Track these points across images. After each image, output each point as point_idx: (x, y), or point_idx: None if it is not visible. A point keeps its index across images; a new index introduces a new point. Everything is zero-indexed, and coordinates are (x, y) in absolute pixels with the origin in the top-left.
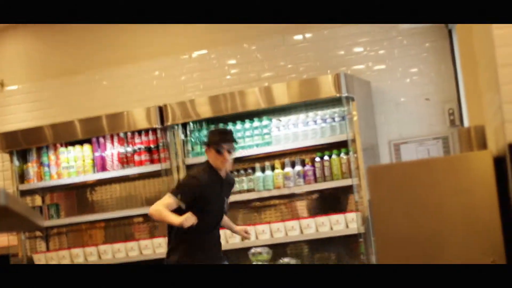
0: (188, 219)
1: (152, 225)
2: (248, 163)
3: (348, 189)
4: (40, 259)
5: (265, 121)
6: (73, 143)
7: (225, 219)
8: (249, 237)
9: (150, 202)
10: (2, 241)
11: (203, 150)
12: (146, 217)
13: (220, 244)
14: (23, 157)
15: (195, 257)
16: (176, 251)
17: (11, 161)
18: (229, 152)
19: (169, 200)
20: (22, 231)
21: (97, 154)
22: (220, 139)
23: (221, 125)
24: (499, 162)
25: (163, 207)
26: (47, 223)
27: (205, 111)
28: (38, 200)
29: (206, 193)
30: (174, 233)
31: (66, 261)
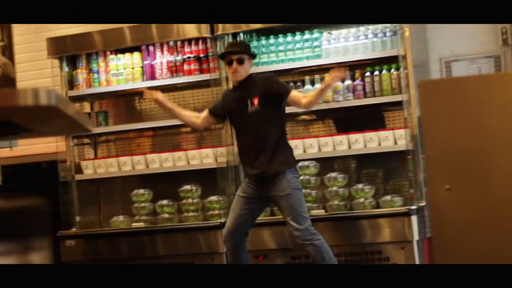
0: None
1: (199, 135)
2: (297, 76)
3: (398, 105)
4: (87, 166)
5: (315, 34)
6: (122, 51)
7: None
8: None
9: (198, 111)
10: (51, 147)
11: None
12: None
13: (257, 152)
14: (73, 63)
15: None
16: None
17: (61, 67)
18: (238, 62)
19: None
20: (72, 134)
21: (146, 62)
22: (227, 50)
23: (271, 37)
24: None
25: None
26: (95, 130)
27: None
28: (86, 107)
29: (225, 103)
30: None
31: (114, 169)
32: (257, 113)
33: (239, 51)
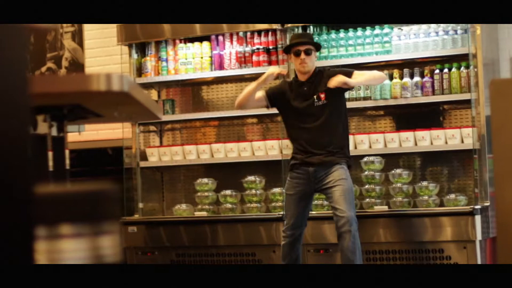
0: (271, 69)
1: (265, 126)
2: (366, 71)
3: (466, 104)
4: (153, 153)
5: (386, 29)
6: (192, 40)
7: None
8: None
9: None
10: (117, 134)
11: (321, 54)
12: (260, 118)
13: (316, 145)
14: (142, 50)
15: (294, 151)
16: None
17: (130, 54)
18: (306, 53)
19: (259, 93)
20: (141, 121)
21: (215, 52)
22: (294, 41)
23: (341, 31)
24: None
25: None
26: (162, 118)
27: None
28: (154, 95)
29: (283, 94)
30: None
31: (179, 157)
32: (324, 105)
33: (307, 42)
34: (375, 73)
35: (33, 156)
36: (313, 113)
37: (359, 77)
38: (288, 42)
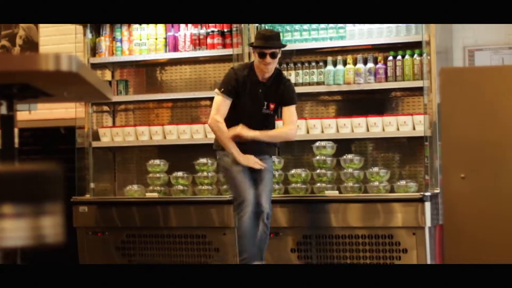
0: (247, 160)
1: None
2: (320, 56)
3: (418, 91)
4: (105, 133)
5: None
6: None
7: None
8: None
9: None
10: (70, 113)
11: None
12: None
13: (257, 150)
14: (96, 30)
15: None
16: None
17: (84, 33)
18: (272, 56)
19: (218, 100)
20: (92, 101)
21: (170, 33)
22: (264, 42)
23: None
24: None
25: (223, 125)
26: (115, 98)
27: None
28: (108, 75)
29: (238, 88)
30: None
31: (131, 138)
32: (268, 115)
33: (275, 46)
34: (283, 134)
35: None
36: (257, 117)
37: (271, 132)
38: (243, 26)
